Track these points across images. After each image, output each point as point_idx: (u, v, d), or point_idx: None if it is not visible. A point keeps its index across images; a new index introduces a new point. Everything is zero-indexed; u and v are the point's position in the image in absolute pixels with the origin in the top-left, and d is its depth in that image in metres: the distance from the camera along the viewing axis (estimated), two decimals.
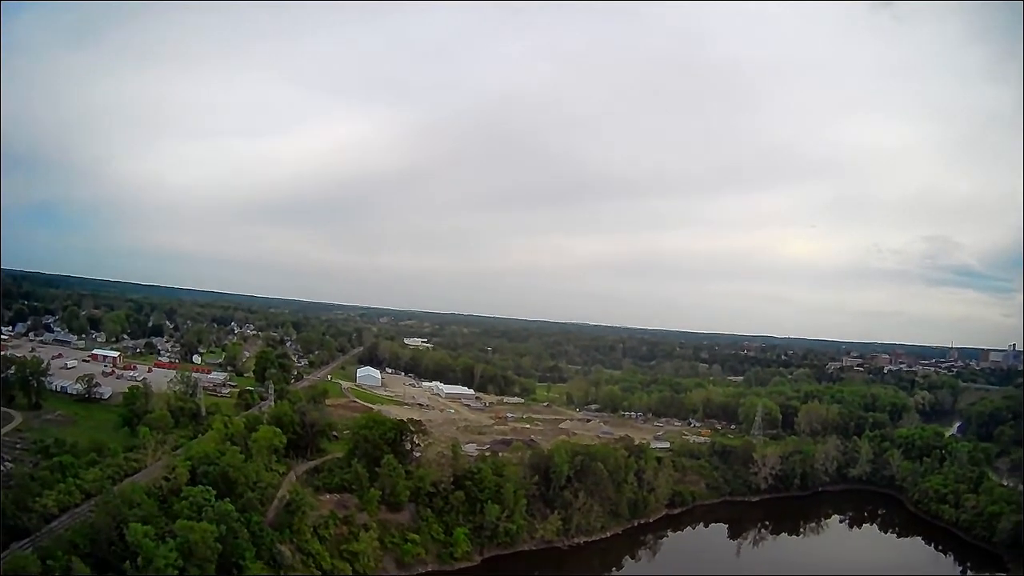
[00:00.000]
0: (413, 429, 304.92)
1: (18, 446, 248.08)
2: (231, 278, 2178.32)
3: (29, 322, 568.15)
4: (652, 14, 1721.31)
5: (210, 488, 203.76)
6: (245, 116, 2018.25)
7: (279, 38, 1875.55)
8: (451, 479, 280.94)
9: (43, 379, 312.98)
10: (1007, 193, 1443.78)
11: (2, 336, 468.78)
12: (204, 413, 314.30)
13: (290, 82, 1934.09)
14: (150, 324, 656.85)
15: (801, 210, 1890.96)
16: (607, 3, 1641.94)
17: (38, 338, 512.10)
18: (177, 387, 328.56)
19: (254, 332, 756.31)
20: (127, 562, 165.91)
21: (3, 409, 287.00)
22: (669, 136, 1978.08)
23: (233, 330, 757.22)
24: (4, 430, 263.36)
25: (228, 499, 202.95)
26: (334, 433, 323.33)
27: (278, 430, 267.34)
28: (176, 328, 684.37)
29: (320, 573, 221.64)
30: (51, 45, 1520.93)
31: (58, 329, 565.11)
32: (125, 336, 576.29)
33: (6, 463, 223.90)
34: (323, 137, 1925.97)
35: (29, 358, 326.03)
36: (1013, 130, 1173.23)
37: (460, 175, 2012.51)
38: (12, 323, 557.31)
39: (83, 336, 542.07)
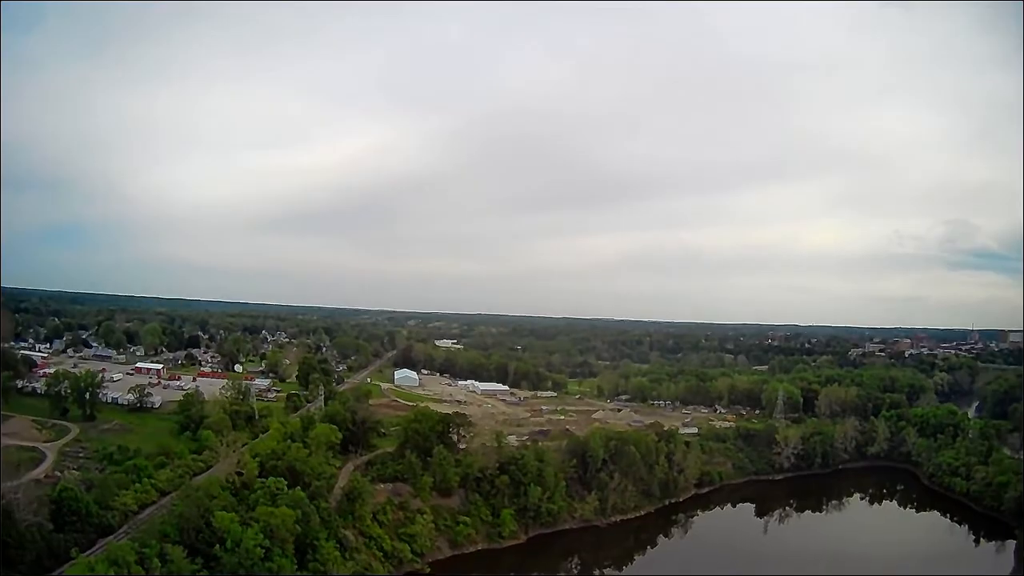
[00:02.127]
0: (459, 422, 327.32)
1: (80, 455, 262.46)
2: (256, 288, 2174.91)
3: (65, 338, 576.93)
4: (667, 13, 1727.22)
5: (282, 479, 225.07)
6: (264, 126, 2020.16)
7: (298, 49, 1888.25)
8: (496, 465, 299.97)
9: (97, 391, 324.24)
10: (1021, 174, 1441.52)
11: (42, 353, 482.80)
12: (257, 416, 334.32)
13: (310, 91, 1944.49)
14: (186, 336, 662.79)
15: (821, 201, 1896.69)
16: (624, 5, 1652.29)
17: (77, 354, 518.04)
18: (229, 393, 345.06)
19: (287, 340, 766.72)
20: (216, 546, 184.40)
21: (59, 422, 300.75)
22: (689, 133, 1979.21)
23: (266, 338, 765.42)
24: (63, 441, 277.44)
25: (299, 488, 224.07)
26: (382, 430, 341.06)
27: (334, 427, 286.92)
28: (212, 339, 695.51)
29: (382, 554, 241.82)
30: (64, 63, 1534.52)
31: (95, 344, 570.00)
32: (163, 349, 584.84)
33: (71, 471, 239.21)
34: (344, 145, 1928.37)
35: (82, 372, 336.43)
36: None
37: (482, 178, 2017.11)
38: (49, 340, 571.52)
39: (122, 350, 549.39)
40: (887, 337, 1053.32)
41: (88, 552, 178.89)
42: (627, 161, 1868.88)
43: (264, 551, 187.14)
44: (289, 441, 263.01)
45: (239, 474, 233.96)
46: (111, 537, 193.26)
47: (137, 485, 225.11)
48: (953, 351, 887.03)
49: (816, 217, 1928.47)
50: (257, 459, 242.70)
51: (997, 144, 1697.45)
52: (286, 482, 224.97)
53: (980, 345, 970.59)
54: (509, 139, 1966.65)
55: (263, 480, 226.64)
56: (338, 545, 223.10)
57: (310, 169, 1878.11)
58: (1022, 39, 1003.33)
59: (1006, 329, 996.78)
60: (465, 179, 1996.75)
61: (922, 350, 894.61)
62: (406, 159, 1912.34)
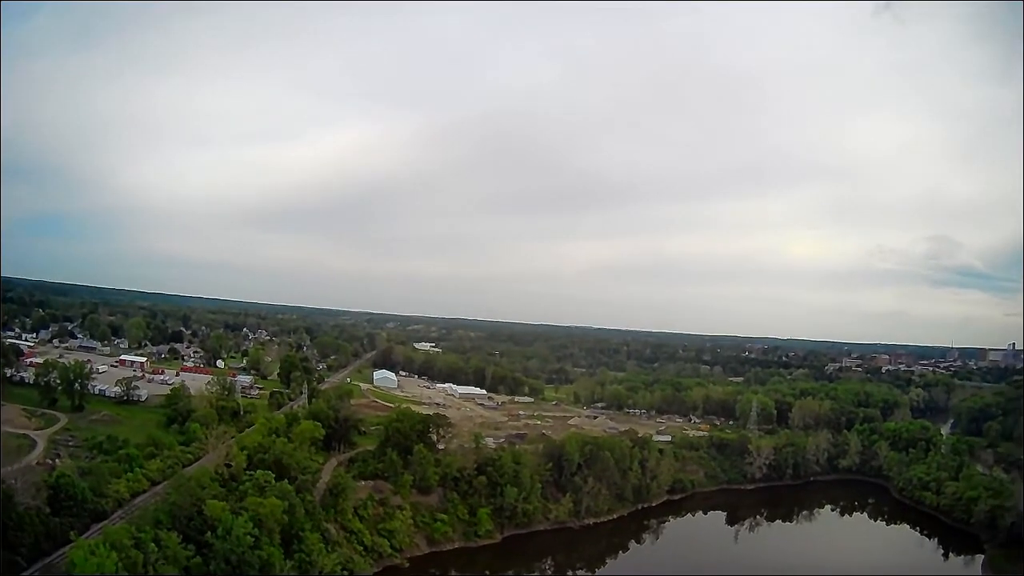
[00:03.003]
0: (439, 423, 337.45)
1: (71, 443, 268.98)
2: (236, 285, 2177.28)
3: (51, 329, 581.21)
4: (657, 18, 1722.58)
5: (269, 472, 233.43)
6: (249, 122, 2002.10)
7: (286, 43, 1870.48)
8: (474, 466, 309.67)
9: (86, 382, 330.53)
10: (1009, 192, 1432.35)
11: (28, 343, 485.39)
12: (243, 412, 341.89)
13: (295, 88, 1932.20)
14: (169, 331, 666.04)
15: (805, 212, 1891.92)
16: (614, 8, 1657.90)
17: (63, 344, 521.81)
18: (215, 389, 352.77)
19: (268, 338, 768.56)
20: (208, 533, 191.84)
21: (48, 411, 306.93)
22: (673, 140, 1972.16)
23: (247, 336, 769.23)
24: (53, 429, 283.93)
25: (285, 481, 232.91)
26: (363, 429, 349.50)
27: (318, 424, 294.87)
28: (194, 334, 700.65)
29: (362, 547, 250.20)
30: (54, 54, 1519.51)
31: (80, 336, 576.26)
32: (147, 342, 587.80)
33: (64, 459, 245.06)
34: (328, 143, 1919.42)
35: (71, 363, 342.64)
36: (1015, 130, 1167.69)
37: (464, 180, 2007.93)
38: (35, 330, 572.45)
39: (106, 342, 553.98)
40: (866, 352, 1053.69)
41: (84, 536, 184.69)
42: (608, 167, 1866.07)
43: (254, 539, 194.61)
44: (274, 436, 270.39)
45: (228, 466, 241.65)
46: (105, 522, 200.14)
47: (129, 474, 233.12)
48: (931, 368, 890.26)
49: (798, 228, 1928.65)
50: (245, 452, 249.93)
51: (983, 160, 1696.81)
52: (273, 475, 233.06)
53: (959, 363, 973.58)
54: (491, 141, 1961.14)
55: (251, 472, 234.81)
56: (322, 537, 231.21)
57: (296, 166, 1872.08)
58: (1021, 51, 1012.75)
59: (986, 347, 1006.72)
60: (447, 180, 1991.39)
61: (900, 366, 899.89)
62: (388, 159, 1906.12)
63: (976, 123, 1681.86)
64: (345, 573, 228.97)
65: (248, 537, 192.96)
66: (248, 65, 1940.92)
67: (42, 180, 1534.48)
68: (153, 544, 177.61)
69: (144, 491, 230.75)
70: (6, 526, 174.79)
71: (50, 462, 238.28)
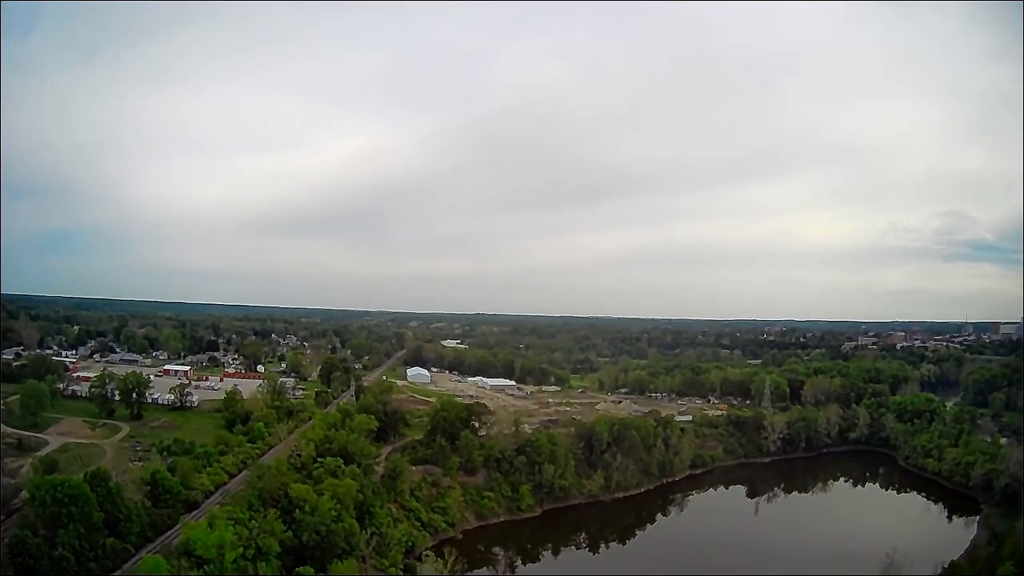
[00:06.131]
0: (480, 411, 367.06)
1: (138, 448, 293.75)
2: (255, 291, 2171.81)
3: (90, 344, 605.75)
4: (663, 11, 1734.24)
5: (338, 459, 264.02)
6: (260, 129, 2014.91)
7: (294, 50, 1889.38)
8: (514, 448, 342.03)
9: (144, 392, 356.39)
10: (1019, 165, 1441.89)
11: (70, 359, 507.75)
12: (295, 411, 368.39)
13: (303, 94, 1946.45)
14: (204, 340, 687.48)
15: (817, 194, 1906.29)
16: (621, 3, 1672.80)
17: (104, 359, 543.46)
18: (266, 392, 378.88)
19: (299, 342, 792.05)
20: (296, 511, 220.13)
21: (109, 421, 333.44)
22: (684, 130, 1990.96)
23: (278, 341, 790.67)
24: (118, 437, 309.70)
25: (354, 465, 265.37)
26: (408, 421, 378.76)
27: (371, 416, 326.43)
28: (228, 342, 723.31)
29: (420, 523, 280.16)
30: (60, 68, 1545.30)
31: (119, 349, 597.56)
32: (185, 352, 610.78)
33: (134, 462, 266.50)
34: (340, 147, 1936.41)
35: (127, 375, 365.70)
36: (1020, 103, 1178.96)
37: (480, 178, 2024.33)
38: (74, 346, 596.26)
39: (146, 354, 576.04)
40: (882, 331, 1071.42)
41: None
42: (622, 158, 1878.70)
43: (336, 514, 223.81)
44: (334, 429, 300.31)
45: (298, 456, 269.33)
46: (197, 511, 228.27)
47: (209, 469, 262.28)
48: (945, 343, 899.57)
49: (812, 210, 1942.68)
50: (311, 443, 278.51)
51: (993, 135, 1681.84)
52: (341, 461, 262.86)
53: (973, 337, 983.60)
54: (505, 138, 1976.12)
55: (321, 460, 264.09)
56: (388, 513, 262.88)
57: (307, 171, 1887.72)
58: (1022, 32, 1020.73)
59: (999, 321, 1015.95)
60: (462, 179, 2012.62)
61: (915, 343, 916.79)
62: (403, 160, 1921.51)
63: (983, 99, 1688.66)
64: (409, 544, 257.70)
65: (331, 512, 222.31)
66: (258, 73, 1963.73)
67: (52, 195, 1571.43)
68: (254, 521, 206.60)
69: (225, 483, 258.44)
70: (117, 518, 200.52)
71: (129, 465, 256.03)
